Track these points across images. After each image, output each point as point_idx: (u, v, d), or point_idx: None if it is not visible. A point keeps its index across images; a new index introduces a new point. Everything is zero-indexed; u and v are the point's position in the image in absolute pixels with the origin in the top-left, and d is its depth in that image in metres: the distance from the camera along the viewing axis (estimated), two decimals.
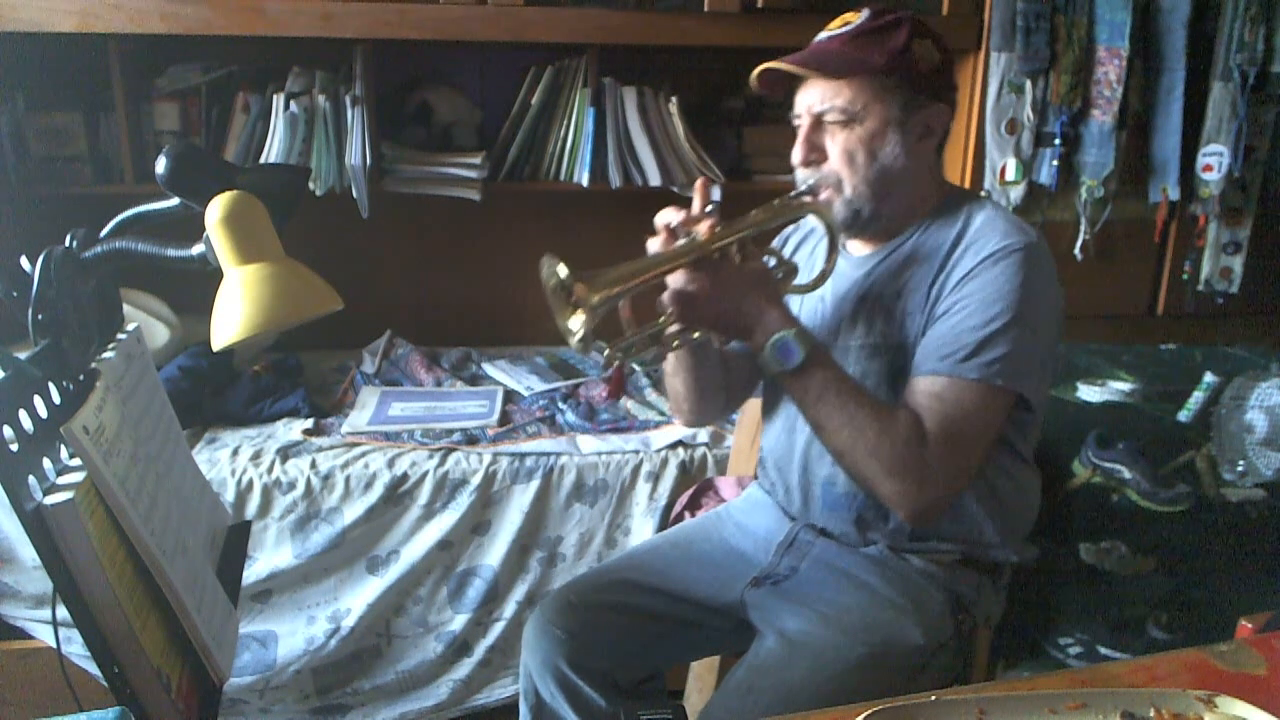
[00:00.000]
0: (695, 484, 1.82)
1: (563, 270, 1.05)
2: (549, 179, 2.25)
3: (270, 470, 1.78)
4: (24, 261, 0.89)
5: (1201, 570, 1.79)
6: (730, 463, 1.86)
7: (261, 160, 2.07)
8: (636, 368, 1.90)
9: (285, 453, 1.82)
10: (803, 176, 1.24)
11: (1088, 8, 2.03)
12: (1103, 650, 1.64)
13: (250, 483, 1.77)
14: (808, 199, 1.24)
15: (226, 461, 1.79)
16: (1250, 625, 1.15)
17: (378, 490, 1.80)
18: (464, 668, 1.90)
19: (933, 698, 0.80)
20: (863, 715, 0.76)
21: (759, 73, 1.22)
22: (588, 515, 1.88)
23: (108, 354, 0.93)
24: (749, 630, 1.31)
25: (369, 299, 2.45)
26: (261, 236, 0.88)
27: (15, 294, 0.88)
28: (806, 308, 1.33)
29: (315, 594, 1.83)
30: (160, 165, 0.88)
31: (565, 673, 1.32)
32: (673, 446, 1.91)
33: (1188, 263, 2.24)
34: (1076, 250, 2.17)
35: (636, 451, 1.89)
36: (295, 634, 1.83)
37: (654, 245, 1.17)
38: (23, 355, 0.81)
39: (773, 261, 1.29)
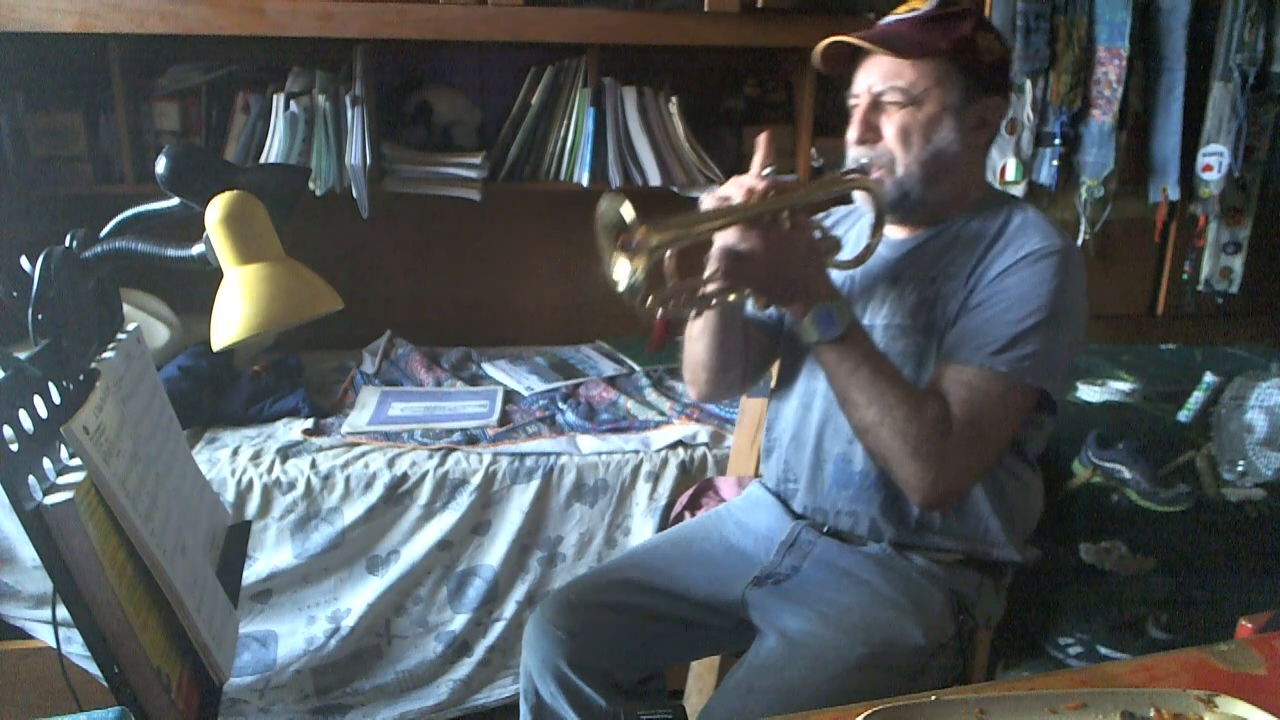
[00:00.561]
0: (695, 484, 1.82)
1: (628, 211, 1.03)
2: (549, 179, 2.25)
3: (270, 470, 1.78)
4: (24, 261, 0.89)
5: (1201, 570, 1.79)
6: (730, 463, 1.86)
7: (261, 160, 2.07)
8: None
9: (285, 453, 1.82)
10: (855, 155, 1.24)
11: (1088, 8, 2.03)
12: (1103, 650, 1.64)
13: (250, 483, 1.77)
14: (859, 176, 1.24)
15: (226, 461, 1.79)
16: (1250, 625, 1.15)
17: (378, 490, 1.80)
18: (464, 668, 1.90)
19: (933, 698, 0.80)
20: (862, 715, 0.76)
21: (824, 46, 1.24)
22: (588, 515, 1.88)
23: (108, 354, 0.93)
24: (749, 630, 1.31)
25: (369, 299, 2.45)
26: (261, 236, 0.88)
27: (15, 294, 0.89)
28: (835, 283, 1.32)
29: (315, 594, 1.83)
30: (160, 165, 0.88)
31: (565, 673, 1.32)
32: (673, 446, 1.91)
33: (1188, 263, 2.24)
34: None
35: (636, 451, 1.89)
36: (295, 634, 1.83)
37: (707, 202, 1.16)
38: (23, 355, 0.81)
39: (818, 234, 1.28)
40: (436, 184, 2.18)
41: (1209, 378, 2.05)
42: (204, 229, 0.87)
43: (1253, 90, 2.11)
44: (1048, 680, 0.91)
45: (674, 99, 2.21)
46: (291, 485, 1.78)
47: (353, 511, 1.79)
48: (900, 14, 1.24)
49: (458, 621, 1.88)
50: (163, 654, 0.80)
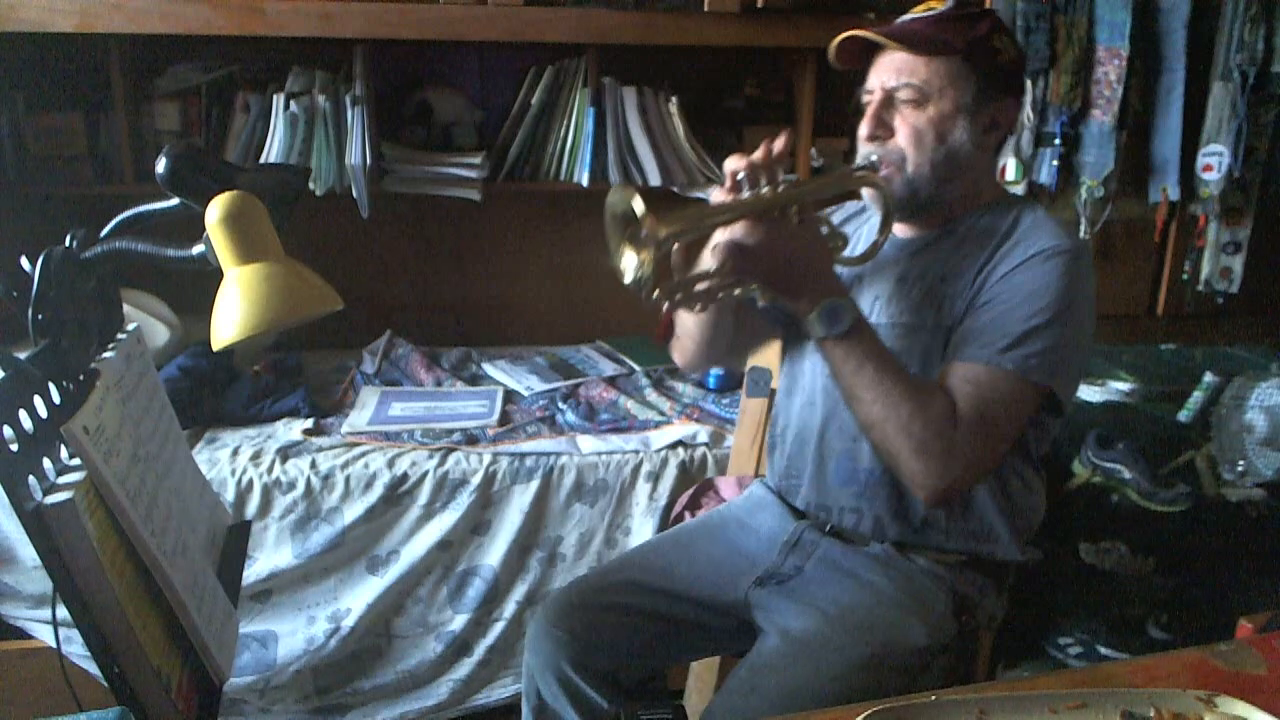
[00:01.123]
0: (695, 484, 1.82)
1: (639, 204, 1.02)
2: (549, 179, 2.25)
3: (270, 470, 1.78)
4: (24, 261, 0.89)
5: (1201, 570, 1.80)
6: (730, 463, 1.86)
7: (261, 160, 2.07)
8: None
9: (285, 453, 1.82)
10: (865, 151, 1.24)
11: (1088, 8, 2.03)
12: (1103, 650, 1.64)
13: (250, 483, 1.77)
14: (869, 173, 1.24)
15: (226, 461, 1.79)
16: (1250, 625, 1.15)
17: (378, 490, 1.80)
18: (464, 668, 1.90)
19: (932, 698, 0.80)
20: (862, 715, 0.76)
21: (840, 41, 1.23)
22: (588, 515, 1.88)
23: (108, 354, 0.93)
24: (751, 630, 1.31)
25: (369, 299, 2.45)
26: (261, 236, 0.88)
27: (15, 294, 0.88)
28: (843, 280, 1.32)
29: (315, 594, 1.83)
30: (160, 165, 0.88)
31: (567, 673, 1.32)
32: (673, 446, 1.91)
33: (1188, 263, 2.24)
34: None
35: (636, 451, 1.89)
36: (295, 634, 1.83)
37: (716, 195, 1.16)
38: (23, 355, 0.81)
39: (825, 230, 1.28)
40: (436, 184, 2.18)
41: (1209, 378, 2.05)
42: (204, 229, 0.87)
43: (1253, 90, 2.11)
44: (1048, 680, 0.91)
45: (674, 99, 2.21)
46: (291, 485, 1.78)
47: (353, 511, 1.79)
48: (917, 13, 1.24)
49: (458, 621, 1.88)
50: (163, 654, 0.80)
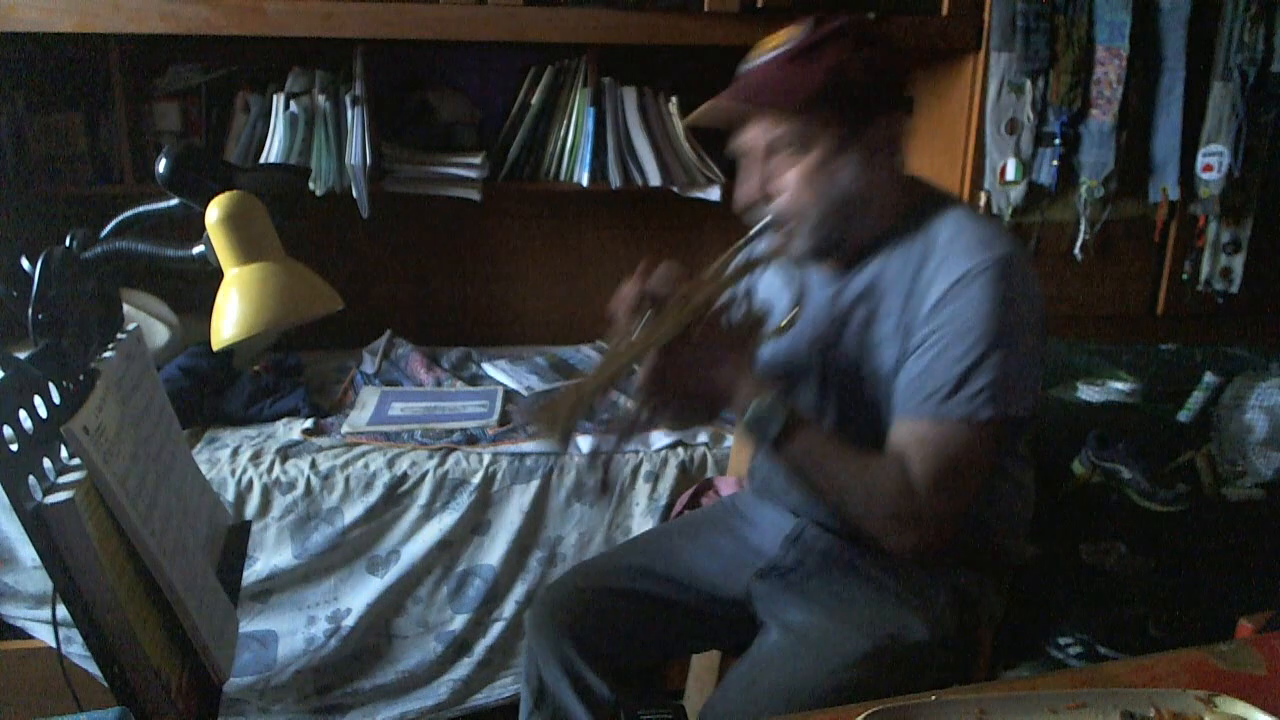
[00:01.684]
0: (695, 484, 1.82)
1: (524, 415, 1.07)
2: (549, 179, 2.25)
3: (270, 470, 1.78)
4: (24, 261, 0.89)
5: (1201, 570, 1.80)
6: (730, 462, 1.86)
7: (261, 160, 2.07)
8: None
9: (285, 453, 1.82)
10: (759, 213, 1.19)
11: (1088, 8, 2.03)
12: (1103, 650, 1.64)
13: (250, 483, 1.77)
14: (768, 239, 1.20)
15: (226, 461, 1.79)
16: (1250, 625, 1.15)
17: (378, 490, 1.80)
18: (464, 668, 1.90)
19: (933, 698, 0.80)
20: (862, 715, 0.76)
21: (699, 115, 1.17)
22: (588, 515, 1.88)
23: (108, 354, 0.93)
24: (753, 623, 1.31)
25: (369, 299, 2.45)
26: (261, 236, 0.88)
27: (15, 294, 0.89)
28: (791, 336, 1.29)
29: (315, 594, 1.83)
30: (160, 165, 0.89)
31: (570, 657, 1.31)
32: (672, 446, 1.91)
33: (1188, 263, 2.24)
34: (1076, 250, 2.17)
35: (636, 451, 1.89)
36: (295, 634, 1.83)
37: (618, 330, 1.13)
38: (23, 355, 0.81)
39: (743, 309, 1.24)
40: (436, 184, 2.18)
41: (1209, 378, 2.05)
42: (204, 229, 0.87)
43: (1253, 90, 2.11)
44: (1048, 680, 0.91)
45: (674, 99, 2.21)
46: (291, 485, 1.78)
47: (353, 511, 1.79)
48: (766, 51, 1.16)
49: (458, 621, 1.88)
50: (163, 654, 0.80)
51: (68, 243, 0.92)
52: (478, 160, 2.15)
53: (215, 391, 1.99)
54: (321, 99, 2.05)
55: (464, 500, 1.82)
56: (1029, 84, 2.05)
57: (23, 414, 0.76)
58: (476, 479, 1.82)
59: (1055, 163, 2.09)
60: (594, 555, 1.89)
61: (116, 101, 2.06)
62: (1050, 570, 1.74)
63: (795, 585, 1.29)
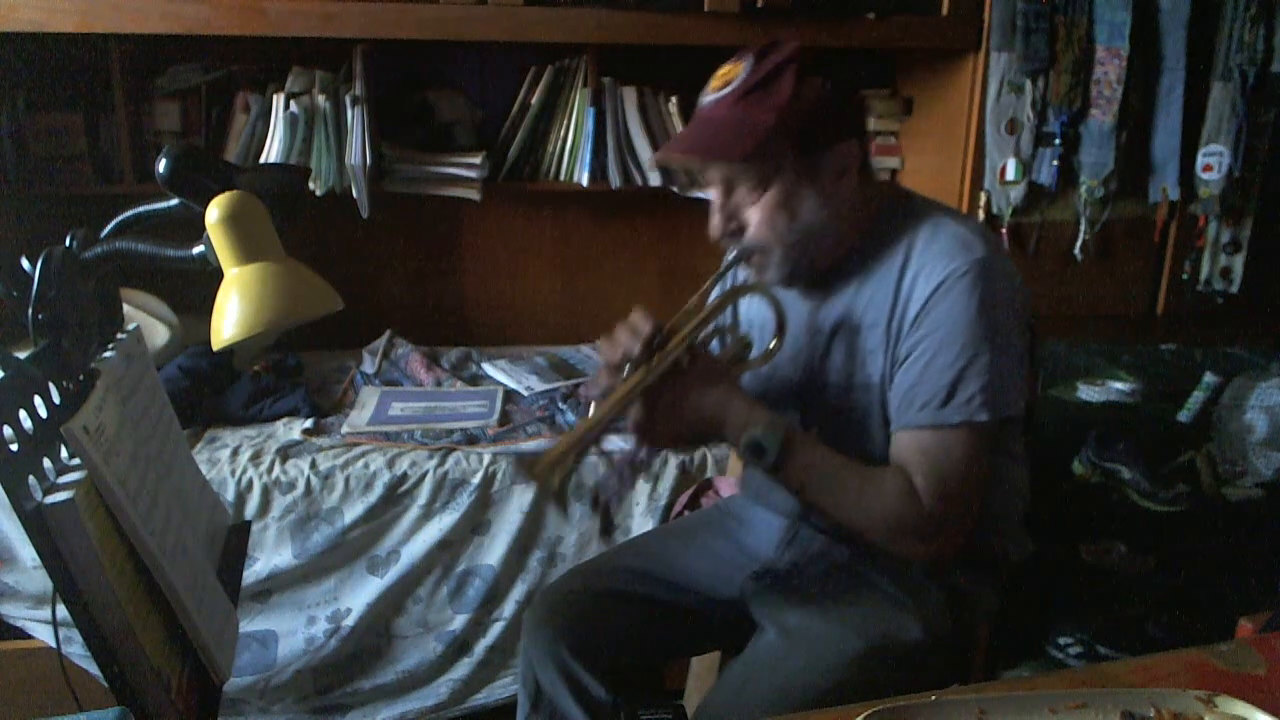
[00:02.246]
0: (695, 484, 1.82)
1: (518, 468, 1.09)
2: (549, 179, 2.25)
3: (270, 470, 1.78)
4: (24, 261, 0.89)
5: (1201, 570, 1.79)
6: (730, 462, 1.86)
7: (261, 160, 2.07)
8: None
9: (285, 453, 1.82)
10: (728, 247, 1.21)
11: (1088, 8, 2.03)
12: (1103, 650, 1.64)
13: (250, 483, 1.77)
14: (741, 270, 1.22)
15: (226, 461, 1.79)
16: (1250, 625, 1.15)
17: (378, 490, 1.80)
18: (464, 668, 1.90)
19: (932, 698, 0.80)
20: (862, 715, 0.76)
21: (656, 161, 1.19)
22: (588, 515, 1.88)
23: (108, 354, 0.93)
24: (749, 625, 1.31)
25: (369, 299, 2.45)
26: (261, 236, 0.88)
27: (15, 294, 0.88)
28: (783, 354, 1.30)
29: (315, 594, 1.83)
30: (160, 165, 0.88)
31: (566, 660, 1.31)
32: None
33: (1188, 263, 2.24)
34: (1076, 250, 2.17)
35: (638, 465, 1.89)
36: (295, 634, 1.83)
37: (604, 379, 1.15)
38: (23, 355, 0.81)
39: (726, 340, 1.27)
40: (436, 184, 2.18)
41: (1209, 378, 2.05)
42: (204, 229, 0.87)
43: (1253, 90, 2.11)
44: (1048, 680, 0.91)
45: (674, 99, 2.21)
46: (291, 485, 1.78)
47: (353, 511, 1.79)
48: (717, 90, 1.16)
49: (457, 621, 1.88)
50: (163, 654, 0.80)
51: (68, 243, 0.92)
52: (478, 160, 2.15)
53: (215, 391, 1.99)
54: (321, 99, 2.05)
55: (464, 500, 1.82)
56: (1029, 84, 2.05)
57: (23, 414, 0.76)
58: (476, 479, 1.82)
59: (1055, 163, 2.09)
60: (591, 557, 1.89)
61: (116, 101, 2.06)
62: (1050, 570, 1.74)
63: (790, 586, 1.29)
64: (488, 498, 1.84)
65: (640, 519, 1.88)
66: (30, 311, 0.86)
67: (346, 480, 1.79)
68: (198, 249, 0.89)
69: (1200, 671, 0.88)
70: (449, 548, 1.84)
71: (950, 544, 1.13)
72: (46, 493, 0.73)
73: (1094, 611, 1.72)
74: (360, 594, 1.83)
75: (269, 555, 1.79)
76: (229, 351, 2.02)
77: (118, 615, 0.75)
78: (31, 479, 0.73)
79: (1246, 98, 2.10)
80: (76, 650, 1.59)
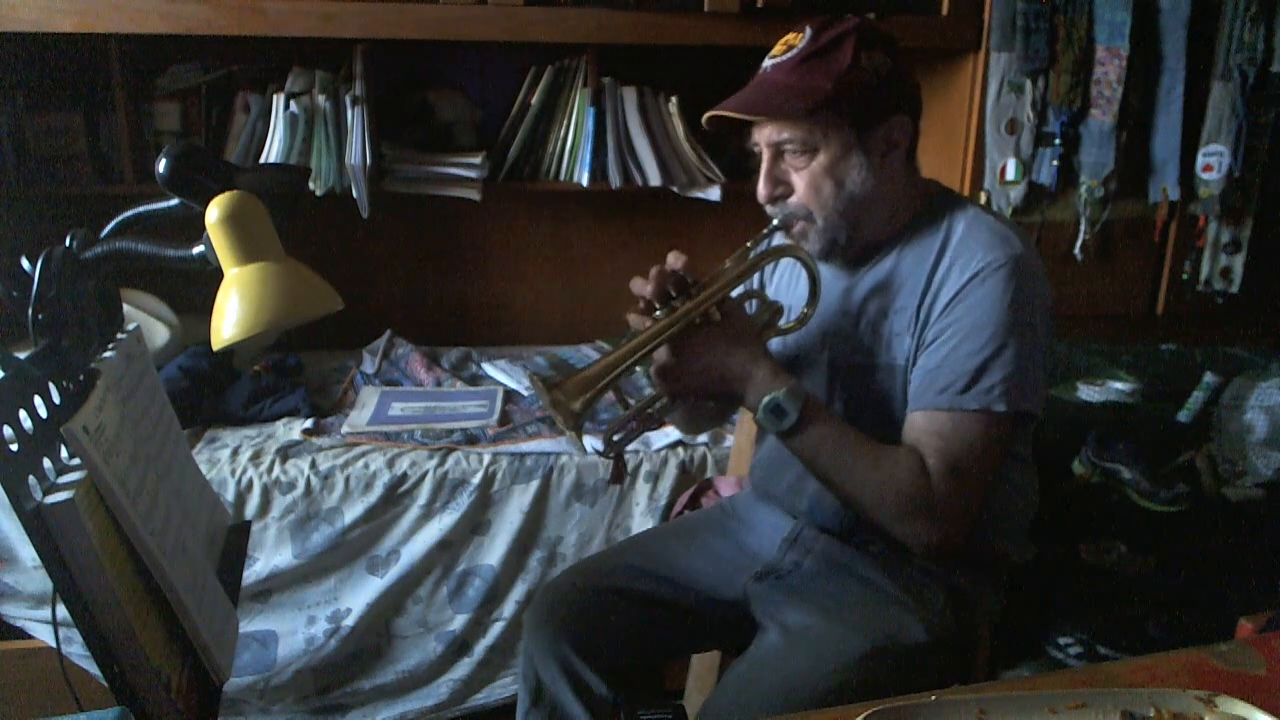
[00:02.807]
0: (695, 484, 1.82)
1: (542, 395, 1.07)
2: (549, 179, 2.25)
3: (270, 470, 1.78)
4: (24, 261, 0.89)
5: (1201, 570, 1.79)
6: (730, 463, 1.86)
7: (261, 160, 2.07)
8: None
9: (285, 453, 1.82)
10: (770, 211, 1.21)
11: (1088, 8, 2.03)
12: (1103, 650, 1.64)
13: (250, 483, 1.77)
14: (780, 237, 1.23)
15: (226, 461, 1.79)
16: (1250, 625, 1.15)
17: (378, 490, 1.80)
18: (464, 668, 1.90)
19: (933, 698, 0.80)
20: (862, 715, 0.76)
21: (709, 119, 1.19)
22: (588, 515, 1.88)
23: (108, 354, 0.93)
24: (751, 625, 1.31)
25: (369, 299, 2.45)
26: (261, 236, 0.88)
27: (15, 294, 0.88)
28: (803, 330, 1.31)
29: (315, 594, 1.83)
30: (160, 165, 0.88)
31: (568, 656, 1.31)
32: (672, 446, 1.91)
33: (1188, 263, 2.24)
34: (1076, 250, 2.17)
35: (636, 451, 1.89)
36: (295, 634, 1.83)
37: (633, 319, 1.15)
38: (23, 355, 0.81)
39: (755, 305, 1.27)
40: (436, 184, 2.18)
41: (1209, 378, 2.05)
42: (204, 229, 0.87)
43: (1253, 90, 2.11)
44: (1048, 680, 0.91)
45: (674, 99, 2.21)
46: (291, 485, 1.78)
47: (353, 511, 1.79)
48: (777, 56, 1.17)
49: (457, 621, 1.88)
50: (163, 654, 0.80)
51: (68, 243, 0.92)
52: (478, 160, 2.15)
53: (215, 391, 1.99)
54: (321, 99, 2.05)
55: (464, 500, 1.82)
56: (1029, 84, 2.05)
57: (23, 414, 0.76)
58: (476, 479, 1.82)
59: (1055, 163, 2.09)
60: (591, 554, 1.89)
61: (116, 101, 2.06)
62: (1050, 570, 1.74)
63: (793, 587, 1.29)
64: (488, 498, 1.84)
65: (640, 519, 1.88)
66: (30, 311, 0.86)
67: (346, 480, 1.79)
68: (198, 249, 0.89)
69: (1200, 671, 0.88)
70: (449, 548, 1.84)
71: (953, 532, 1.13)
72: (46, 493, 0.73)
73: (1094, 611, 1.72)
74: (360, 594, 1.83)
75: (269, 555, 1.79)
76: (229, 351, 2.02)
77: (118, 615, 0.75)
78: (31, 479, 0.73)
79: (1246, 98, 2.10)
80: (76, 650, 1.59)
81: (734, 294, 1.21)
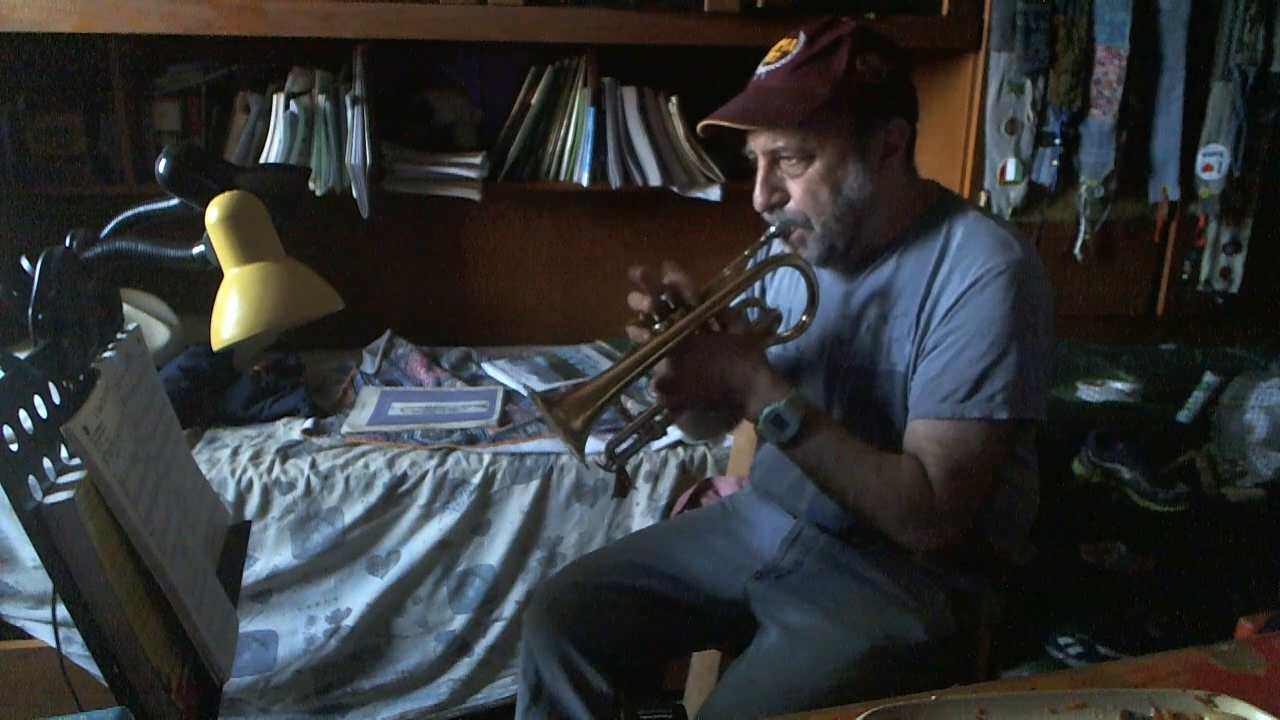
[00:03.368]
0: (695, 484, 1.82)
1: (540, 403, 1.08)
2: (549, 179, 2.25)
3: (270, 470, 1.78)
4: (24, 261, 0.89)
5: (1201, 570, 1.79)
6: (730, 463, 1.86)
7: (261, 160, 2.07)
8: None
9: (285, 453, 1.82)
10: (769, 217, 1.21)
11: (1088, 8, 2.03)
12: (1103, 650, 1.64)
13: (250, 483, 1.77)
14: (778, 244, 1.22)
15: (226, 461, 1.79)
16: (1250, 625, 1.15)
17: (378, 490, 1.80)
18: (463, 668, 1.90)
19: (933, 698, 0.80)
20: (862, 715, 0.76)
21: (704, 127, 1.18)
22: (588, 515, 1.88)
23: (108, 354, 0.93)
24: (751, 624, 1.31)
25: (369, 299, 2.45)
26: (261, 236, 0.88)
27: (15, 294, 0.88)
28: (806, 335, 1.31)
29: (315, 594, 1.83)
30: (160, 165, 0.88)
31: (569, 652, 1.31)
32: (672, 446, 1.91)
33: (1188, 263, 2.24)
34: (1076, 250, 2.17)
35: (636, 452, 1.89)
36: (295, 634, 1.83)
37: (633, 331, 1.15)
38: (23, 355, 0.81)
39: (755, 313, 1.27)
40: (436, 184, 2.18)
41: (1209, 378, 2.05)
42: (204, 229, 0.87)
43: (1253, 90, 2.11)
44: (1048, 680, 0.91)
45: (674, 99, 2.21)
46: (291, 485, 1.78)
47: (353, 511, 1.79)
48: (772, 62, 1.16)
49: (458, 621, 1.88)
50: (163, 654, 0.80)
51: (68, 243, 0.92)
52: (478, 160, 2.15)
53: (215, 391, 1.99)
54: (321, 99, 2.05)
55: (464, 500, 1.82)
56: (1029, 84, 2.05)
57: (23, 414, 0.76)
58: (476, 479, 1.82)
59: (1055, 163, 2.09)
60: (592, 551, 1.89)
61: (116, 101, 2.06)
62: (1050, 570, 1.74)
63: (793, 586, 1.29)
64: (488, 498, 1.84)
65: (640, 519, 1.88)
66: (30, 311, 0.86)
67: (346, 480, 1.79)
68: (198, 249, 0.89)
69: (1200, 671, 0.88)
70: (449, 548, 1.85)
71: (953, 537, 1.13)
72: (46, 493, 0.73)
73: (1094, 611, 1.72)
74: (360, 594, 1.83)
75: (269, 555, 1.79)
76: (229, 351, 2.02)
77: (118, 615, 0.75)
78: (31, 479, 0.73)
79: (1246, 98, 2.10)
80: (76, 650, 1.59)
81: (732, 303, 1.21)
